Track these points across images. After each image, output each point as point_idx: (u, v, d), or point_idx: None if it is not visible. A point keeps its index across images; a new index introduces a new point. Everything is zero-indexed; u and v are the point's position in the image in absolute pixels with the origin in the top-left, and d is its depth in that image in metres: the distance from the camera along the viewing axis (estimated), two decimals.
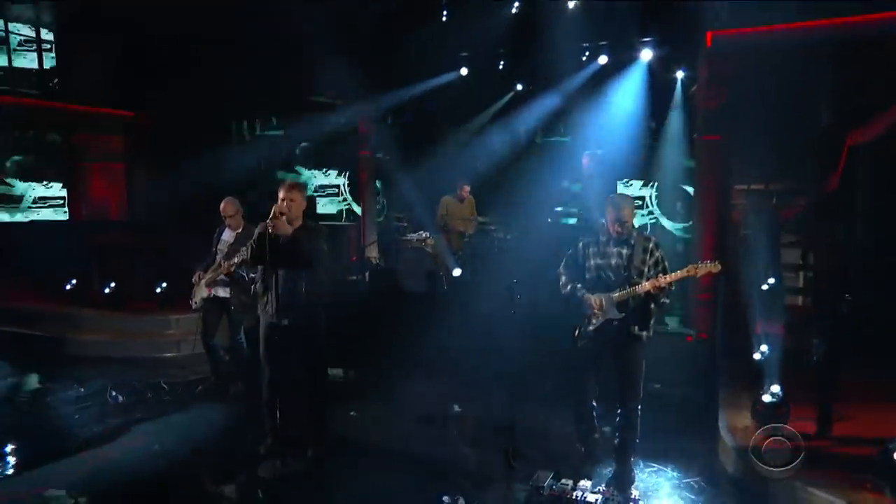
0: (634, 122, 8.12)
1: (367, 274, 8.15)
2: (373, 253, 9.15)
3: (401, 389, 5.88)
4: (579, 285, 4.23)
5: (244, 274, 5.33)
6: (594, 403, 4.36)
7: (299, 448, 4.47)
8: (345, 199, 10.60)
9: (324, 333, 4.37)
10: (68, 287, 8.06)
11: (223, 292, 5.44)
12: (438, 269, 7.58)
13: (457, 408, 5.16)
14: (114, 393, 5.77)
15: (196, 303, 5.50)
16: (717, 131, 6.40)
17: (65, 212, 10.78)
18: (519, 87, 9.32)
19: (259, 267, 4.39)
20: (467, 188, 8.17)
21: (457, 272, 7.53)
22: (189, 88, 9.62)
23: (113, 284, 7.82)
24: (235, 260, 5.12)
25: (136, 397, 5.70)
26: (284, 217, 4.26)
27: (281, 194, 4.29)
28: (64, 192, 10.84)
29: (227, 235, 5.47)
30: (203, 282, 5.44)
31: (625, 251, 4.15)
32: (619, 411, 4.22)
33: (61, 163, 10.84)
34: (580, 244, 4.28)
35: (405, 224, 8.78)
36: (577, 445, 4.50)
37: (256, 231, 4.25)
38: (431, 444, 4.76)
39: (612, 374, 4.20)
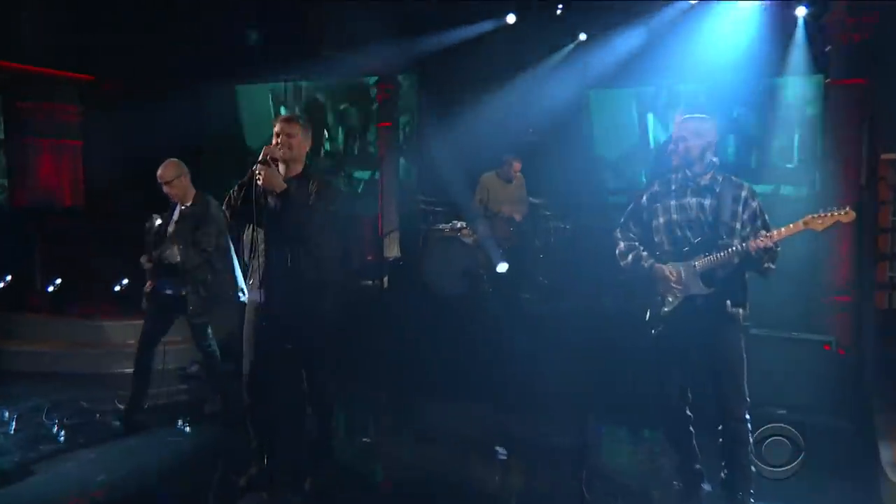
0: (741, 70, 8.00)
1: (386, 278, 8.35)
2: (393, 248, 9.20)
3: (428, 413, 5.88)
4: (645, 252, 4.02)
5: (200, 258, 5.18)
6: (689, 413, 4.09)
7: (293, 479, 4.34)
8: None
9: (330, 327, 4.23)
10: (0, 285, 7.89)
11: (170, 288, 5.28)
12: (478, 265, 7.64)
13: (501, 452, 5.08)
14: (53, 415, 5.68)
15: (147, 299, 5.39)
16: (859, 74, 6.17)
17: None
18: (583, 36, 9.18)
19: (239, 229, 4.19)
20: (517, 165, 8.17)
21: (502, 268, 7.59)
22: (163, 45, 9.67)
23: (59, 282, 7.74)
24: (171, 252, 5.05)
25: (81, 419, 5.64)
26: (278, 163, 4.06)
27: (276, 129, 4.10)
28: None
29: (175, 212, 5.35)
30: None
31: (708, 202, 3.90)
32: (720, 428, 3.91)
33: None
34: (644, 197, 4.08)
35: (435, 210, 8.81)
36: (674, 482, 4.28)
37: (245, 179, 3.99)
38: (465, 483, 4.65)
39: (701, 375, 3.95)
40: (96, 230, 8.78)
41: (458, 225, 8.04)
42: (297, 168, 4.16)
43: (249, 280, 4.17)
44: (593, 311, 6.67)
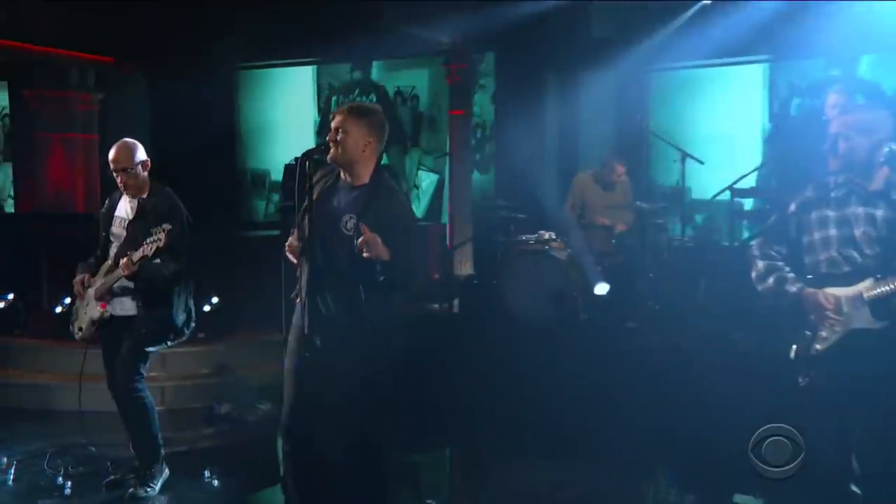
0: None
1: (456, 301, 8.41)
2: (465, 264, 9.28)
3: (509, 470, 5.83)
4: (791, 274, 3.95)
5: (163, 268, 5.04)
6: (856, 490, 3.93)
7: None
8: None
9: (388, 369, 4.19)
10: (1, 304, 8.19)
11: (128, 306, 5.20)
12: (571, 286, 7.58)
13: None
14: (57, 462, 5.72)
15: (81, 329, 5.31)
16: None
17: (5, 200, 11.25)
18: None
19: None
20: (620, 168, 8.17)
21: (601, 289, 7.56)
22: (194, 21, 9.85)
23: (68, 302, 7.82)
24: (146, 248, 4.86)
25: (90, 467, 5.66)
26: (332, 156, 4.02)
27: (333, 123, 4.06)
28: (7, 174, 11.33)
29: (124, 207, 5.30)
30: (92, 292, 5.22)
31: (880, 213, 3.82)
32: None
33: (5, 132, 11.33)
34: (792, 206, 4.00)
35: (518, 217, 8.72)
36: None
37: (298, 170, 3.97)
38: None
39: (870, 441, 3.86)
40: None
41: (547, 236, 8.02)
42: (363, 174, 4.07)
43: (296, 297, 4.14)
44: (719, 346, 6.49)
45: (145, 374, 5.28)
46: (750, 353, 6.38)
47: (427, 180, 11.08)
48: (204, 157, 10.59)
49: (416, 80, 11.24)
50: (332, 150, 3.98)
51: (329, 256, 3.98)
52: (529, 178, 9.12)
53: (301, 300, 4.03)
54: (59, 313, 7.70)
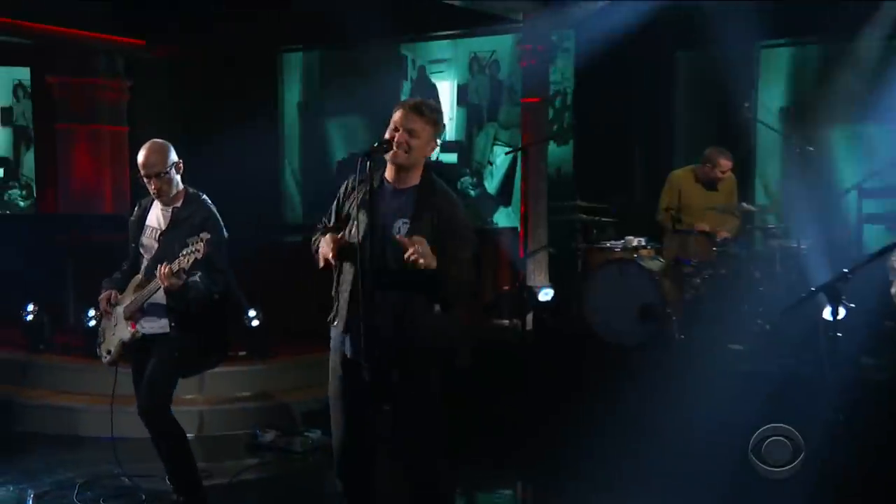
0: None
1: (529, 315, 8.30)
2: (540, 274, 9.24)
3: None
4: None
5: (203, 284, 5.12)
6: None
7: None
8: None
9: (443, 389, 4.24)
10: (29, 318, 8.25)
11: (159, 324, 5.27)
12: (664, 301, 7.53)
13: None
14: (86, 493, 5.80)
15: (110, 352, 5.41)
16: None
17: (26, 199, 11.43)
18: None
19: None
20: (726, 163, 8.09)
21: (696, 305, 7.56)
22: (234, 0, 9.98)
23: (93, 316, 7.95)
24: (182, 260, 4.91)
25: (123, 500, 5.77)
26: (394, 157, 4.09)
27: (394, 118, 4.13)
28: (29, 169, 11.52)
29: (155, 216, 5.38)
30: (121, 311, 5.32)
31: None
32: None
33: (26, 123, 11.55)
34: None
35: (602, 220, 8.64)
36: None
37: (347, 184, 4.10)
38: None
39: None
40: None
41: (636, 242, 7.95)
42: (414, 176, 4.16)
43: (333, 319, 4.23)
44: (844, 373, 6.10)
45: (172, 400, 5.33)
46: (883, 382, 6.31)
47: (501, 157, 11.01)
48: (242, 152, 10.74)
49: (496, 44, 11.15)
50: (394, 151, 4.05)
51: (377, 267, 3.99)
52: (615, 175, 9.01)
53: (341, 317, 4.12)
54: (89, 328, 7.71)
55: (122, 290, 5.37)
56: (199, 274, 5.01)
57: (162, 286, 4.98)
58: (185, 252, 4.87)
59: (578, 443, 6.23)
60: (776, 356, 7.00)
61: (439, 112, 4.20)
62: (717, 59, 9.05)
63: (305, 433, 6.89)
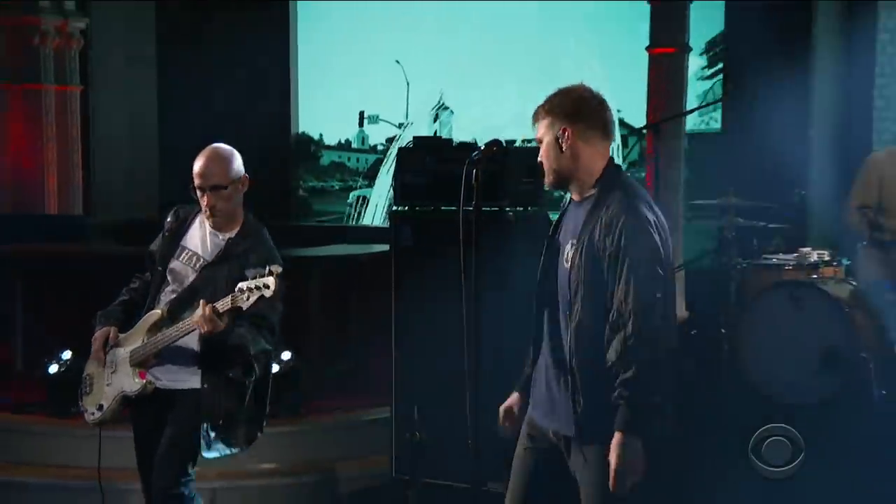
0: None
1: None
2: (677, 302, 9.26)
3: None
4: None
5: (250, 338, 5.43)
6: None
7: None
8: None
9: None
10: None
11: (185, 380, 5.59)
12: (859, 343, 7.64)
13: None
14: None
15: (102, 407, 5.70)
16: None
17: None
18: None
19: None
20: None
21: None
22: None
23: (68, 357, 8.27)
24: (240, 298, 5.16)
25: None
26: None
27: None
28: None
29: (200, 237, 5.74)
30: (125, 354, 5.60)
31: None
32: None
33: None
34: None
35: (759, 226, 8.81)
36: None
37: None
38: None
39: None
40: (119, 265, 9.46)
41: (815, 257, 8.10)
42: (590, 191, 4.61)
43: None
44: None
45: (193, 475, 5.63)
46: None
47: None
48: (243, 117, 11.19)
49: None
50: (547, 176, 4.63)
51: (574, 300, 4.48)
52: (784, 163, 9.24)
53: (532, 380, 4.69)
54: (53, 375, 8.18)
55: (123, 326, 5.64)
56: (245, 326, 5.31)
57: (199, 329, 5.25)
58: (244, 285, 5.10)
59: None
60: None
61: (601, 99, 4.69)
62: None
63: None
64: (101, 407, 5.64)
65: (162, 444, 5.52)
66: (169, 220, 5.79)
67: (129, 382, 5.53)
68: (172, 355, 5.50)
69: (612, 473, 4.24)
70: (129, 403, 5.62)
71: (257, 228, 5.68)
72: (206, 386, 5.48)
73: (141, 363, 5.50)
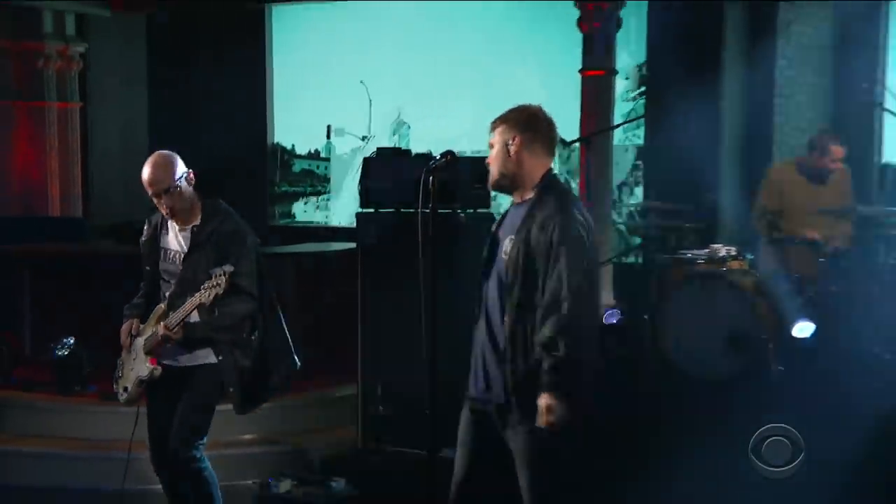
0: None
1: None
2: (604, 291, 9.41)
3: None
4: None
5: (227, 318, 5.67)
6: None
7: None
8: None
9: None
10: None
11: (199, 357, 5.78)
12: (760, 326, 7.73)
13: None
14: None
15: (127, 389, 5.91)
16: None
17: None
18: None
19: None
20: (838, 150, 8.20)
21: (803, 331, 7.73)
22: None
23: (72, 342, 8.51)
24: (210, 288, 5.38)
25: None
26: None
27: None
28: None
29: (173, 237, 5.87)
30: (142, 343, 5.79)
31: None
32: None
33: None
34: None
35: (681, 226, 8.93)
36: None
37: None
38: None
39: None
40: (119, 258, 9.30)
41: (723, 252, 8.13)
42: (527, 191, 4.82)
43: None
44: None
45: (205, 441, 5.79)
46: None
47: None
48: (225, 130, 11.35)
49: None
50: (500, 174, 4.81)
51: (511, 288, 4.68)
52: (697, 170, 9.35)
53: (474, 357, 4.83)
54: (60, 358, 8.32)
55: (144, 318, 5.85)
56: (225, 301, 5.49)
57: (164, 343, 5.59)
58: (205, 286, 5.36)
59: (652, 489, 6.37)
60: None
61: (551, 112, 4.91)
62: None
63: (328, 482, 7.02)
64: (126, 389, 5.88)
65: (180, 410, 5.70)
66: (145, 228, 5.98)
67: (142, 368, 5.75)
68: (184, 339, 5.66)
69: (542, 425, 4.44)
70: (146, 385, 5.81)
71: (215, 209, 5.82)
72: (220, 358, 5.70)
73: (150, 351, 5.71)
